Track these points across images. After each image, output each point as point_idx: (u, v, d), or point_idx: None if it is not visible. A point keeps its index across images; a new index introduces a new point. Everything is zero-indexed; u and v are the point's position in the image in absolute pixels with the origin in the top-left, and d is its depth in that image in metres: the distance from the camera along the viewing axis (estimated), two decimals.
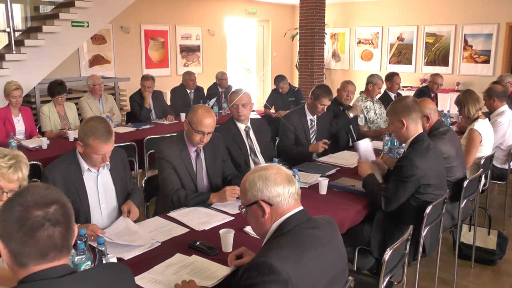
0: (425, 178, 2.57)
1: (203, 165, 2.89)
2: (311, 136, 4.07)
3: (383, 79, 5.31)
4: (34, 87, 5.79)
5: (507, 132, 4.19)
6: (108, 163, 2.45)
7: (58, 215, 1.17)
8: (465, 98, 3.77)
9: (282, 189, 1.58)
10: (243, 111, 3.41)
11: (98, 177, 2.49)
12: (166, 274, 1.87)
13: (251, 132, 3.55)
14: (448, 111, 5.29)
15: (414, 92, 6.08)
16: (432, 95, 6.14)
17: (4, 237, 1.16)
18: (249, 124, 3.55)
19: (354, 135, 4.67)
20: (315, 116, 4.08)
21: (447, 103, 8.28)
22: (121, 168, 2.63)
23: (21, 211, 1.14)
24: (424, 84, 7.98)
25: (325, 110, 4.00)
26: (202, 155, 2.88)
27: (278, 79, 6.39)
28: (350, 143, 4.60)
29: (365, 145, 3.00)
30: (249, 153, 3.50)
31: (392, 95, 5.71)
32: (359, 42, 10.69)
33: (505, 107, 4.29)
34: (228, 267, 1.90)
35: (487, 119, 3.91)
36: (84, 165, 2.43)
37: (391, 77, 5.70)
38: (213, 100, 6.08)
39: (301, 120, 4.01)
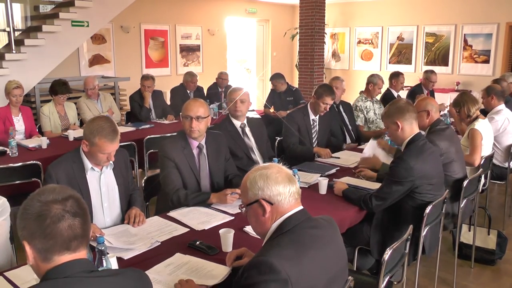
0: (422, 178, 2.57)
1: (206, 162, 2.89)
2: (313, 136, 4.08)
3: (384, 78, 5.31)
4: (34, 87, 5.79)
5: (500, 129, 4.24)
6: (112, 162, 2.46)
7: (75, 207, 1.23)
8: (463, 98, 3.85)
9: (283, 188, 1.58)
10: (240, 106, 3.48)
11: (101, 176, 2.49)
12: (165, 274, 1.86)
13: (247, 130, 3.58)
14: (448, 111, 5.29)
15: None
16: (426, 92, 6.11)
17: (27, 237, 1.20)
18: (245, 122, 3.59)
19: (352, 133, 4.67)
20: (317, 116, 4.10)
21: (447, 102, 8.26)
22: (124, 168, 2.63)
23: (41, 207, 1.20)
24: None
25: (328, 109, 4.01)
26: (204, 151, 2.89)
27: (273, 76, 6.35)
28: (348, 141, 4.60)
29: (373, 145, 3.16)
30: (247, 148, 3.53)
31: (396, 94, 5.72)
32: (359, 42, 10.69)
33: (502, 106, 4.38)
34: (227, 266, 1.89)
35: (486, 119, 3.93)
36: (88, 164, 2.43)
37: (397, 76, 5.73)
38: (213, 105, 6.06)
39: (304, 119, 4.03)
